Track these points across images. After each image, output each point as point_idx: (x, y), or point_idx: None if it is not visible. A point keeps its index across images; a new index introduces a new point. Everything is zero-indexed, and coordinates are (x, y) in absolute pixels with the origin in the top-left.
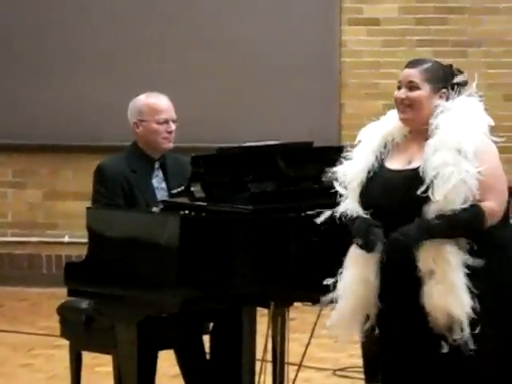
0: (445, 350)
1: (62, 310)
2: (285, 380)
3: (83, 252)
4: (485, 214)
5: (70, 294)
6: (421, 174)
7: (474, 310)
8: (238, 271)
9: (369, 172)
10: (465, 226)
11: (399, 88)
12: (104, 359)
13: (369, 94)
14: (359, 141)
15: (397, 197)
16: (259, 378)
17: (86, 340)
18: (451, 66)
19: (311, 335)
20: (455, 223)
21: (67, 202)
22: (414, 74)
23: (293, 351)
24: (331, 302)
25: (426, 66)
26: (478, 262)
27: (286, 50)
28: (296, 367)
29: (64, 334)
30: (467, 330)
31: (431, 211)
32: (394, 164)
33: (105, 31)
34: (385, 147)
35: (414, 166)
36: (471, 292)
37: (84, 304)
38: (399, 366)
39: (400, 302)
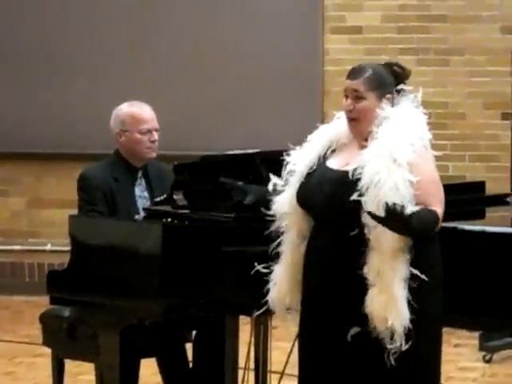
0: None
1: (45, 318)
2: None
3: (66, 260)
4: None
5: (52, 302)
6: (350, 177)
7: (411, 322)
8: (221, 279)
9: (310, 168)
10: (423, 224)
11: (346, 97)
12: (86, 367)
13: None
14: (309, 140)
15: (324, 193)
16: None
17: (68, 348)
18: (394, 64)
19: (293, 343)
20: (416, 218)
21: (50, 210)
22: (356, 84)
23: (275, 359)
24: None
25: (367, 74)
26: (418, 276)
27: (268, 58)
28: (278, 375)
29: (46, 342)
30: (402, 342)
31: (368, 219)
32: (333, 163)
33: (87, 39)
34: (329, 148)
35: (347, 168)
36: (410, 305)
37: (66, 312)
38: (317, 365)
39: (336, 303)
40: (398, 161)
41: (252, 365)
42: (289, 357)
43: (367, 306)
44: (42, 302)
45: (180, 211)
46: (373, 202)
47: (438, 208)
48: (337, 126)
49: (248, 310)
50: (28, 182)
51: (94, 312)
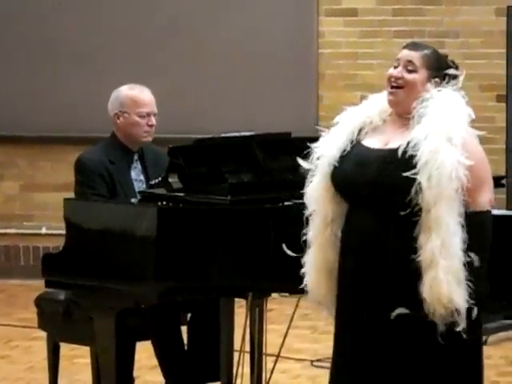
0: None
1: (40, 302)
2: (263, 371)
3: (61, 243)
4: (491, 215)
5: (47, 285)
6: (399, 154)
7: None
8: (216, 262)
9: (343, 151)
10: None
11: (395, 67)
12: (82, 351)
13: (346, 85)
14: (337, 122)
15: (370, 173)
16: (237, 368)
17: (63, 331)
18: (446, 56)
19: (289, 326)
20: (486, 245)
21: (45, 193)
22: (414, 56)
23: (271, 342)
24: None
25: (426, 51)
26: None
27: (263, 41)
28: (274, 358)
29: (42, 325)
30: (465, 321)
31: (424, 198)
32: (372, 143)
33: (83, 22)
34: (360, 130)
35: (392, 146)
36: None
37: (61, 295)
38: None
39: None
40: (453, 141)
41: (247, 347)
42: (284, 339)
43: (425, 290)
44: (37, 286)
45: (175, 194)
46: (426, 180)
47: (489, 192)
48: (367, 109)
49: (243, 292)
50: (22, 165)
51: (89, 295)
